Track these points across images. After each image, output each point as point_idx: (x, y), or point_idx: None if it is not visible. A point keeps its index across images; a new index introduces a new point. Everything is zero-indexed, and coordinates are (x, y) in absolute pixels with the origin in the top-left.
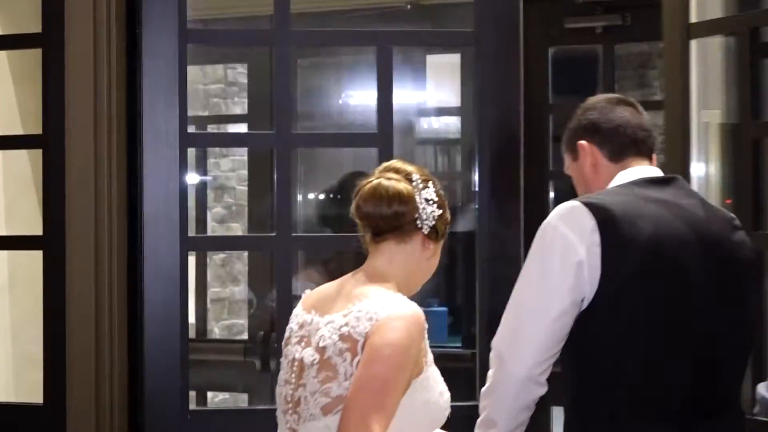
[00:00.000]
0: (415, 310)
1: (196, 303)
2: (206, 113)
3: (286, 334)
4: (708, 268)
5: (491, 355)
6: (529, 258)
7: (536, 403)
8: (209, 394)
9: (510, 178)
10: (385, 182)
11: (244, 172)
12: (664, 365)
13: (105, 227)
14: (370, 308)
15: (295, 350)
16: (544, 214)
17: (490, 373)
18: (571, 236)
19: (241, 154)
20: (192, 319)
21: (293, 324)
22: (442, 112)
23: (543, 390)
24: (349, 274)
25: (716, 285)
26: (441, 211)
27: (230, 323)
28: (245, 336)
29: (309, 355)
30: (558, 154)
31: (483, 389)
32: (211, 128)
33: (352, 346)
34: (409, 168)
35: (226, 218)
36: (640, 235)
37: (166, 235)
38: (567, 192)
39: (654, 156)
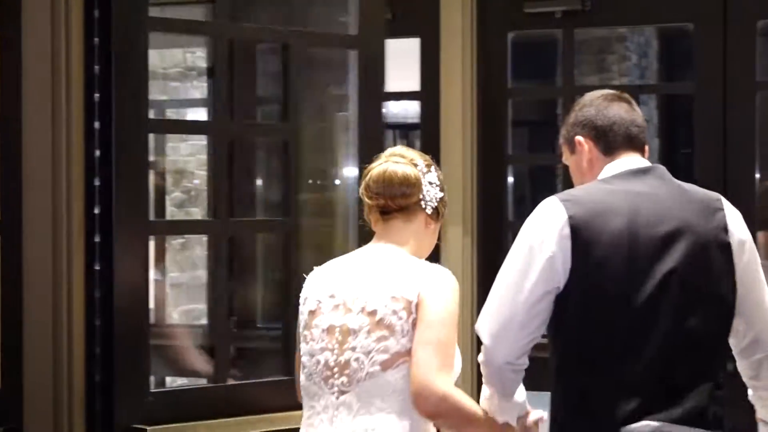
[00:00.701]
0: (452, 275)
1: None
2: (165, 98)
3: (312, 307)
4: (678, 254)
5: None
6: (511, 250)
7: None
8: (167, 380)
9: None
10: (393, 166)
11: (203, 157)
12: (633, 348)
13: (62, 213)
14: (415, 271)
15: (331, 318)
16: (503, 198)
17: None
18: (545, 231)
19: (200, 139)
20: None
21: (320, 296)
22: (401, 96)
23: (520, 375)
24: (363, 248)
25: (686, 270)
26: (442, 194)
27: (189, 308)
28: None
29: (354, 320)
30: (517, 138)
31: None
32: (170, 113)
33: (406, 306)
34: (413, 154)
35: (185, 203)
36: (610, 228)
37: (126, 220)
38: (525, 175)
39: (646, 147)
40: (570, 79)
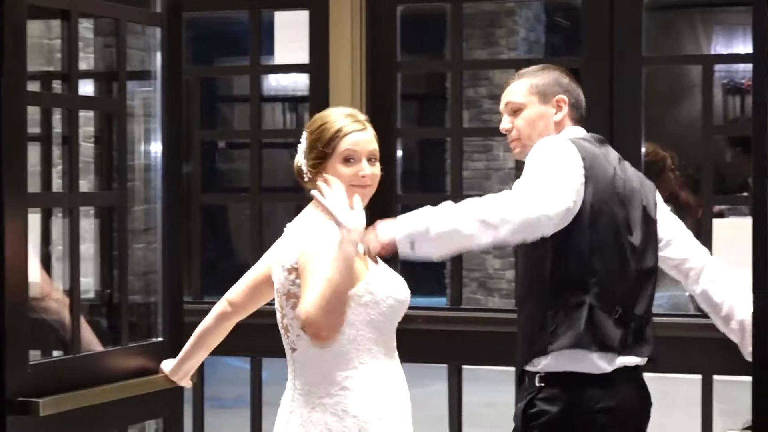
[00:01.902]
0: (324, 232)
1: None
2: (51, 68)
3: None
4: (631, 208)
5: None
6: (542, 159)
7: None
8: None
9: None
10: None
11: (90, 129)
12: (615, 273)
13: None
14: (295, 238)
15: (275, 277)
16: (392, 171)
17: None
18: (569, 158)
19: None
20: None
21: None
22: (290, 69)
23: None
24: None
25: (635, 220)
26: (306, 160)
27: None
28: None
29: (278, 284)
30: (406, 111)
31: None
32: (56, 84)
33: (297, 274)
34: (312, 120)
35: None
36: (606, 171)
37: (5, 193)
38: (413, 149)
39: None
40: (458, 53)
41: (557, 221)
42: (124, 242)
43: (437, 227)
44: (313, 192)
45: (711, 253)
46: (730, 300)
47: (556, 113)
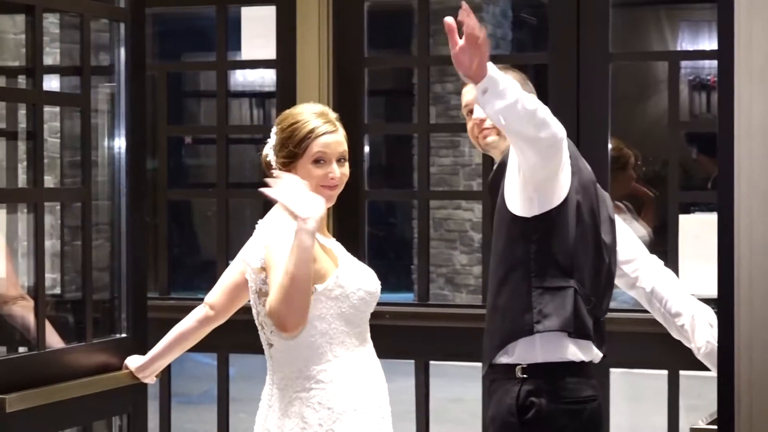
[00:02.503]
0: (284, 226)
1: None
2: (17, 63)
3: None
4: (606, 199)
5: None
6: None
7: None
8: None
9: None
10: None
11: (56, 125)
12: (594, 268)
13: None
14: (259, 238)
15: (249, 281)
16: (359, 167)
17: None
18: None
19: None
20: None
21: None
22: (257, 64)
23: None
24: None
25: (610, 213)
26: (276, 156)
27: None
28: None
29: (250, 283)
30: (374, 107)
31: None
32: (22, 79)
33: (267, 274)
34: (282, 116)
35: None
36: (585, 169)
37: None
38: (381, 145)
39: None
40: (425, 48)
41: (557, 144)
42: (88, 238)
43: (508, 86)
44: (262, 190)
45: (677, 249)
46: (677, 298)
47: None
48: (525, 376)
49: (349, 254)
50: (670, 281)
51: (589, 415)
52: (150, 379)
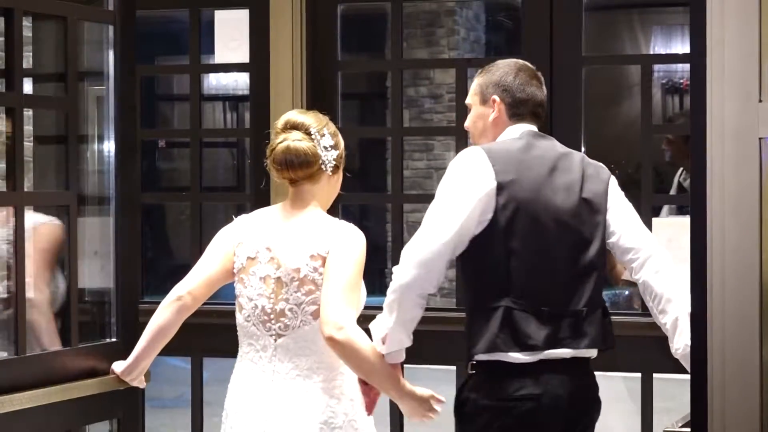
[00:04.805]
0: (358, 230)
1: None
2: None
3: (251, 254)
4: (567, 203)
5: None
6: (441, 192)
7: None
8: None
9: None
10: (291, 144)
11: (30, 128)
12: (538, 273)
13: None
14: (328, 229)
15: (266, 269)
16: None
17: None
18: (478, 174)
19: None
20: None
21: (259, 246)
22: (230, 68)
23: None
24: (279, 205)
25: (571, 214)
26: (338, 152)
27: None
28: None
29: (284, 274)
30: (347, 111)
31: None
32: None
33: (323, 262)
34: (306, 121)
35: None
36: (528, 175)
37: None
38: (354, 149)
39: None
40: (399, 52)
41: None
42: (74, 242)
43: (378, 333)
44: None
45: None
46: (668, 294)
47: (491, 113)
48: (473, 372)
49: None
50: (665, 277)
51: (522, 414)
52: (138, 381)
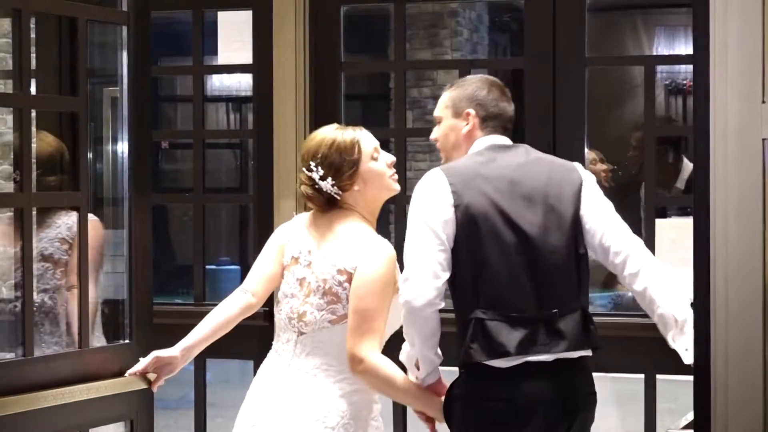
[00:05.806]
0: (389, 247)
1: None
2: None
3: (295, 254)
4: (528, 211)
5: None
6: (411, 216)
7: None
8: None
9: None
10: (300, 189)
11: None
12: (504, 282)
13: None
14: (356, 245)
15: (304, 272)
16: None
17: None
18: (437, 197)
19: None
20: None
21: (302, 248)
22: (234, 69)
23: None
24: (322, 213)
25: (534, 222)
26: (331, 179)
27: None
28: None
29: (314, 280)
30: (350, 111)
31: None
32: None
33: (348, 278)
34: (305, 154)
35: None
36: (483, 192)
37: None
38: None
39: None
40: (402, 53)
41: (434, 297)
42: (85, 243)
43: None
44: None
45: (653, 253)
46: (652, 292)
47: (464, 126)
48: (463, 370)
49: None
50: (647, 276)
51: (491, 414)
52: (160, 382)
